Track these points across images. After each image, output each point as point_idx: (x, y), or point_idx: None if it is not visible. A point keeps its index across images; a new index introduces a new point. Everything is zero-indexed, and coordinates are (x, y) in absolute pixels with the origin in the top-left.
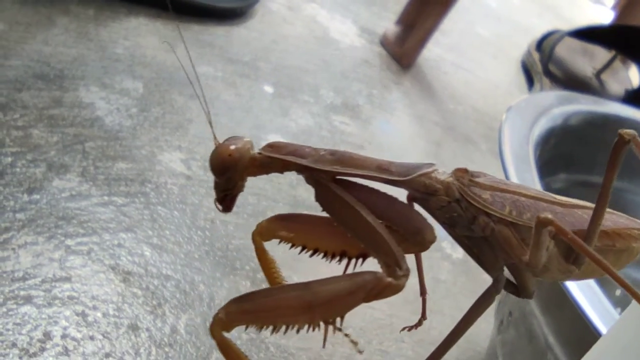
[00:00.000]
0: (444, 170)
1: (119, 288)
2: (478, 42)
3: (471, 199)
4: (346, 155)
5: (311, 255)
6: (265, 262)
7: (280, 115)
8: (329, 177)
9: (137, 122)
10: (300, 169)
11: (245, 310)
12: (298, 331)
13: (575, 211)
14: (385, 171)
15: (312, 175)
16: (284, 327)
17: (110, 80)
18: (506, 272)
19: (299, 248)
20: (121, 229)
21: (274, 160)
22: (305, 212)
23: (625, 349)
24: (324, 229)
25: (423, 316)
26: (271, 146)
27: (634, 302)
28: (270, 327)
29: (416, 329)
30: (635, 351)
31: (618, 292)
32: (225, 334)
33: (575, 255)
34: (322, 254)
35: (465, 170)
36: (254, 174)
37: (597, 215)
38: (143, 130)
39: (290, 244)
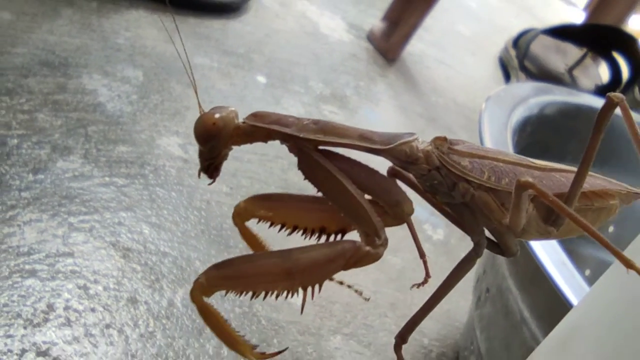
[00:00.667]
0: (423, 140)
1: (119, 263)
2: (459, 39)
3: (450, 166)
4: (329, 124)
5: (290, 233)
6: (251, 240)
7: (272, 104)
8: (312, 145)
9: (137, 108)
10: (284, 138)
11: (226, 275)
12: (277, 297)
13: (553, 174)
14: (367, 140)
15: (296, 144)
16: (263, 293)
17: (112, 68)
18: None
19: (278, 226)
20: (121, 208)
21: (258, 129)
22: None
23: (596, 319)
24: (302, 206)
25: (427, 275)
26: (255, 115)
27: (603, 275)
28: (250, 293)
29: (423, 285)
30: (606, 321)
31: (587, 272)
32: (206, 299)
33: (554, 217)
34: (301, 231)
35: (445, 139)
36: (238, 143)
37: (579, 177)
38: (143, 116)
39: (269, 223)
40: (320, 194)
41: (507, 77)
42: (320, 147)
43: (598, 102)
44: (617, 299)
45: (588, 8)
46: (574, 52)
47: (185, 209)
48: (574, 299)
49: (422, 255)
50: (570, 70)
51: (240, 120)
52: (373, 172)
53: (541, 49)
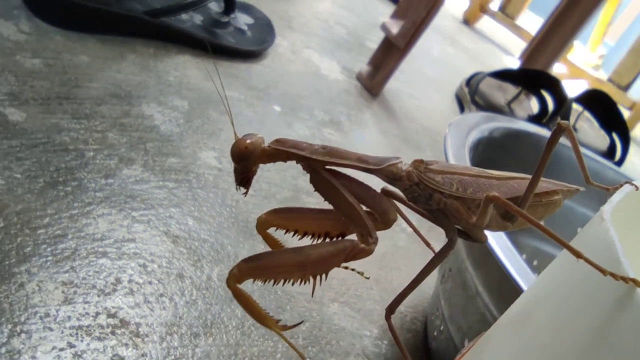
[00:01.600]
0: (406, 162)
1: (170, 247)
2: (425, 79)
3: (426, 182)
4: (334, 149)
5: (300, 238)
6: (272, 243)
7: (285, 127)
8: (321, 165)
9: (183, 130)
10: (299, 159)
11: (253, 267)
12: (293, 284)
13: (508, 182)
14: (363, 162)
15: (308, 164)
16: (282, 280)
17: (165, 99)
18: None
19: (292, 233)
20: (171, 205)
21: (280, 152)
22: (303, 196)
23: (552, 294)
24: (310, 216)
25: (430, 247)
26: (277, 141)
27: (556, 259)
28: (272, 280)
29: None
30: (560, 295)
31: (524, 256)
32: (239, 285)
33: (510, 215)
34: (310, 236)
35: (421, 161)
36: (264, 162)
37: (532, 185)
38: (187, 136)
39: (284, 230)
40: (325, 205)
41: (462, 108)
42: (327, 167)
43: (532, 128)
44: (568, 279)
45: (522, 57)
46: (511, 90)
47: (220, 206)
48: (517, 276)
49: (427, 245)
50: (509, 103)
51: (266, 144)
52: (368, 188)
53: (487, 87)
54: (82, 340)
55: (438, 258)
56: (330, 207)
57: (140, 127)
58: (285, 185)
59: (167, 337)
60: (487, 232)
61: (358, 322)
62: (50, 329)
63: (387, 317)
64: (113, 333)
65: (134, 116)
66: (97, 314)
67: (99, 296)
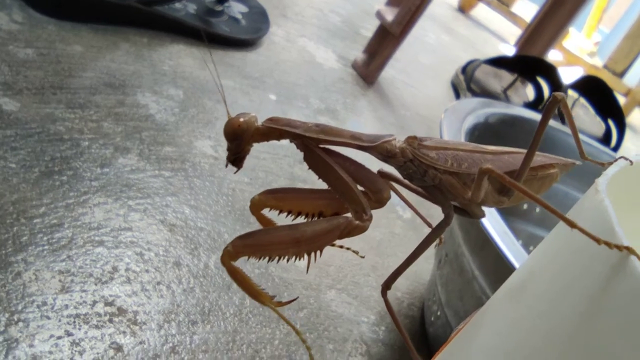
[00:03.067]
0: (399, 139)
1: (167, 236)
2: (420, 67)
3: (421, 158)
4: (327, 127)
5: (294, 219)
6: (266, 224)
7: (281, 115)
8: (315, 143)
9: (179, 119)
10: (293, 137)
11: (248, 244)
12: (287, 260)
13: (502, 156)
14: (357, 139)
15: (302, 142)
16: (277, 258)
17: (159, 88)
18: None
19: (285, 213)
20: (168, 193)
21: (273, 130)
22: (300, 184)
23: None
24: (304, 196)
25: (441, 239)
26: (271, 119)
27: (552, 231)
28: (267, 257)
29: (440, 244)
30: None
31: (520, 242)
32: (233, 262)
33: (506, 190)
34: (303, 216)
35: (415, 137)
36: (258, 141)
37: (528, 157)
38: (183, 125)
39: (278, 211)
40: (318, 186)
41: (458, 96)
42: (321, 145)
43: (528, 114)
44: (563, 249)
45: (518, 44)
46: (507, 77)
47: (216, 195)
48: (513, 260)
49: (425, 221)
50: (505, 90)
51: (260, 123)
52: (362, 166)
53: (483, 74)
54: (79, 329)
55: (435, 232)
56: (323, 187)
57: (135, 116)
58: (282, 173)
59: (164, 324)
60: (485, 211)
61: (355, 308)
62: (48, 318)
63: (384, 293)
64: (111, 321)
65: (128, 105)
66: (95, 302)
67: (96, 284)
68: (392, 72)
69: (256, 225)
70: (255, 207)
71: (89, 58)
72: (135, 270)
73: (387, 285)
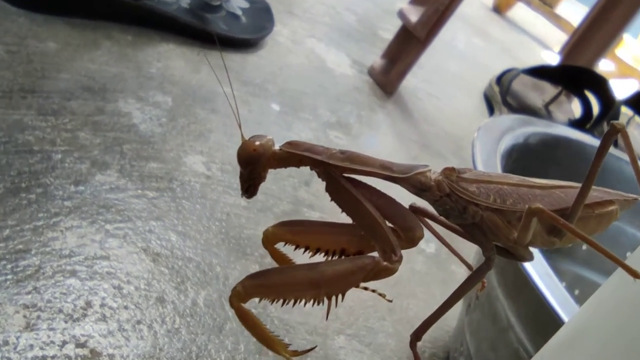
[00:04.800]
0: (435, 170)
1: (149, 266)
2: (448, 76)
3: (460, 192)
4: (354, 154)
5: (312, 255)
6: (281, 260)
7: (285, 129)
8: (339, 172)
9: (166, 130)
10: (314, 164)
11: (260, 284)
12: (305, 304)
13: (553, 192)
14: (387, 169)
15: (324, 170)
16: (293, 301)
17: (145, 94)
18: None
19: (302, 249)
20: (152, 217)
21: (292, 156)
22: (305, 209)
23: (603, 321)
24: (324, 230)
25: (483, 284)
26: (290, 144)
27: (607, 280)
28: (281, 300)
29: (481, 290)
30: (613, 323)
31: (563, 284)
32: (243, 304)
33: (557, 230)
34: (323, 253)
35: (453, 169)
36: (275, 167)
37: (582, 193)
38: (171, 137)
39: (294, 246)
40: (332, 216)
41: (491, 110)
42: (346, 174)
43: (574, 134)
44: (623, 303)
45: (563, 51)
46: (550, 89)
47: (208, 220)
48: (557, 307)
49: (465, 263)
50: (547, 105)
51: (277, 147)
52: (391, 200)
53: (521, 86)
54: None
55: (474, 278)
56: (346, 221)
57: (116, 126)
58: (285, 196)
59: None
60: (532, 253)
61: (368, 358)
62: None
63: (413, 344)
64: None
65: (109, 113)
66: (64, 342)
67: (66, 322)
68: (415, 81)
69: (254, 258)
70: (269, 240)
71: (65, 57)
72: (111, 307)
73: (417, 336)
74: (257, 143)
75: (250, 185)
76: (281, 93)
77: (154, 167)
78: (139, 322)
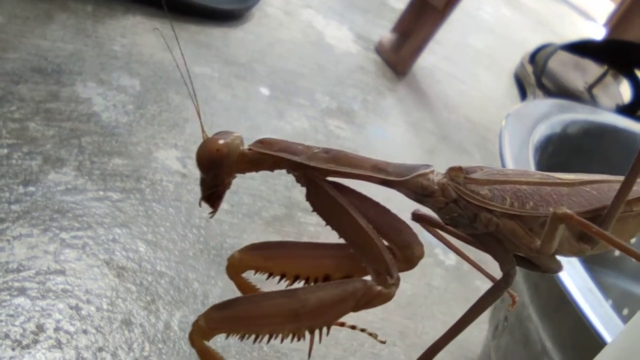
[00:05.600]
0: (439, 172)
1: (113, 283)
2: (471, 53)
3: (468, 197)
4: (341, 153)
5: (290, 284)
6: (248, 290)
7: (275, 117)
8: (322, 175)
9: (133, 119)
10: (292, 167)
11: (227, 317)
12: (282, 341)
13: (582, 189)
14: (381, 171)
15: (305, 174)
16: (267, 337)
17: (107, 76)
18: None
19: (277, 277)
20: (116, 224)
21: (265, 157)
22: (300, 213)
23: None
24: (303, 253)
25: (513, 298)
26: (262, 142)
27: None
28: (253, 336)
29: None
30: None
31: (609, 302)
32: (206, 342)
33: (589, 236)
34: (303, 281)
35: (459, 169)
36: (243, 171)
37: (623, 191)
38: (139, 127)
39: (267, 274)
40: (325, 234)
41: (523, 94)
42: (330, 178)
43: (622, 122)
44: None
45: (609, 23)
46: (594, 69)
47: (184, 227)
48: (601, 328)
49: (486, 275)
50: (590, 88)
51: (246, 146)
52: (385, 210)
53: (559, 65)
54: None
55: (489, 297)
56: (330, 241)
57: (73, 115)
58: (276, 198)
59: None
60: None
61: None
62: None
63: None
64: None
65: (64, 100)
66: None
67: (13, 349)
68: (432, 59)
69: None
70: (235, 268)
71: (12, 33)
72: (68, 331)
73: None
74: (221, 142)
75: (213, 193)
76: (271, 74)
77: (118, 163)
78: (100, 350)
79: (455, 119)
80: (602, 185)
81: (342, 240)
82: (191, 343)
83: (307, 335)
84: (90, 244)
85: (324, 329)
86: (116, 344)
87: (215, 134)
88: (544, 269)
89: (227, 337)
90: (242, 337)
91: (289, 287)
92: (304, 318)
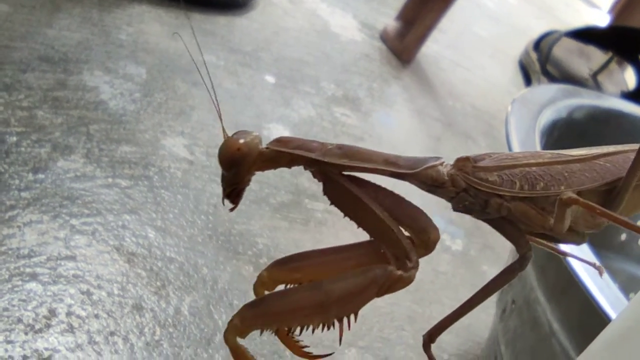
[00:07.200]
0: (448, 163)
1: (123, 268)
2: (476, 41)
3: (478, 185)
4: (353, 148)
5: None
6: None
7: (281, 105)
8: (338, 171)
9: (140, 107)
10: (308, 163)
11: (260, 314)
12: (313, 331)
13: (595, 163)
14: (392, 164)
15: (320, 169)
16: (299, 328)
17: (114, 65)
18: None
19: None
20: (125, 210)
21: (282, 155)
22: (306, 200)
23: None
24: (326, 259)
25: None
26: (279, 141)
27: None
28: (285, 329)
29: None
30: None
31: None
32: (240, 339)
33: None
34: None
35: (467, 158)
36: (262, 169)
37: (635, 164)
38: (146, 115)
39: (297, 285)
40: (338, 216)
41: (528, 81)
42: (344, 173)
43: (628, 107)
44: None
45: (613, 10)
46: (598, 56)
47: (192, 213)
48: (609, 309)
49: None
50: (595, 75)
51: (264, 144)
52: (399, 199)
53: (564, 52)
54: None
55: (503, 277)
56: (350, 242)
57: (80, 103)
58: (282, 185)
59: None
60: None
61: None
62: None
63: (426, 347)
64: None
65: (72, 88)
66: (25, 358)
67: (26, 334)
68: (437, 47)
69: (247, 257)
70: (265, 286)
71: (18, 22)
72: (80, 315)
73: (430, 338)
74: (242, 141)
75: (233, 189)
76: (276, 62)
77: (126, 150)
78: (112, 334)
79: (460, 106)
80: (617, 157)
81: (359, 240)
82: (226, 342)
83: (336, 323)
84: (100, 230)
85: (351, 317)
86: (127, 329)
87: (234, 133)
88: (566, 242)
89: (261, 333)
90: (275, 332)
91: (313, 282)
92: (332, 308)
